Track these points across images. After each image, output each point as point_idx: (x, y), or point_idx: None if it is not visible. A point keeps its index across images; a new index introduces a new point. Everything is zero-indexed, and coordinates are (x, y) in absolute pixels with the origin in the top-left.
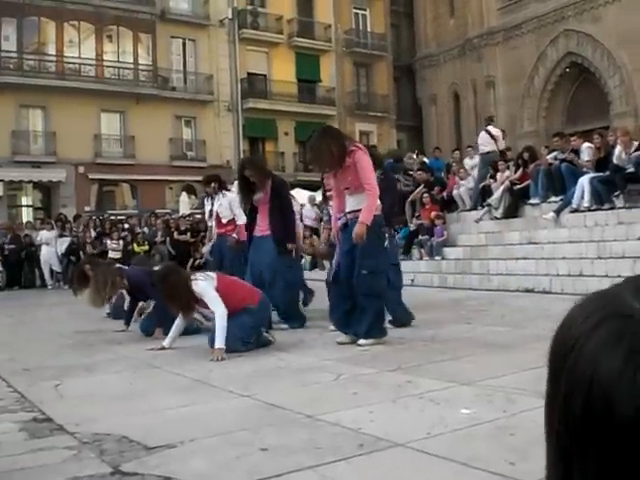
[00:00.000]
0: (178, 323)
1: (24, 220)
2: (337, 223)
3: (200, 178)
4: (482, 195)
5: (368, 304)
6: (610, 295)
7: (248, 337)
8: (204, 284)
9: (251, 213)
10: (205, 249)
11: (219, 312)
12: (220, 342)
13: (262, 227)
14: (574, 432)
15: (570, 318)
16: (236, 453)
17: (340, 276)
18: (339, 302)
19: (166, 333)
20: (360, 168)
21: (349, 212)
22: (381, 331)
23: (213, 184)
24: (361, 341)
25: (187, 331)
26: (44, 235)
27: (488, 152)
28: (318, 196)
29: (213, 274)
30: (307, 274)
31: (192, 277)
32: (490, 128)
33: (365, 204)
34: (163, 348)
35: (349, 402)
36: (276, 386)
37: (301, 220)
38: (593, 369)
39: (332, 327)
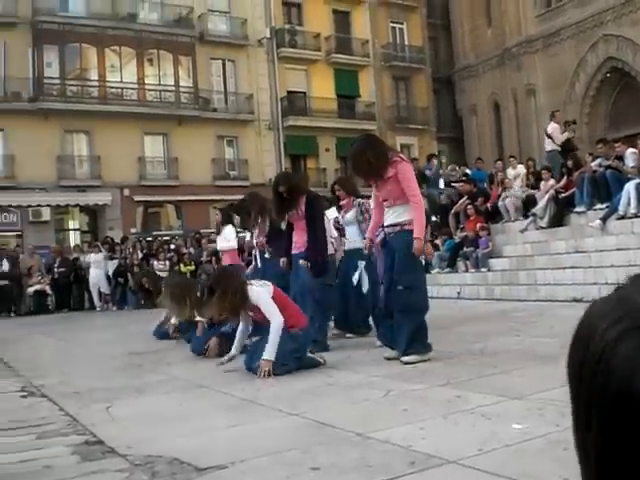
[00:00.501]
0: (242, 329)
1: (72, 244)
2: (375, 238)
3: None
4: (526, 205)
5: (405, 320)
6: (626, 300)
7: (286, 361)
8: (261, 290)
9: (288, 230)
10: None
11: (276, 321)
12: (270, 354)
13: (298, 244)
14: (616, 453)
15: (589, 325)
16: (287, 473)
17: (383, 292)
18: (384, 318)
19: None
20: (403, 179)
21: (387, 226)
22: (424, 347)
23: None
24: (404, 358)
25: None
26: (92, 258)
27: (549, 151)
28: None
29: (269, 283)
30: None
31: (248, 282)
32: (549, 126)
33: (415, 217)
34: (232, 358)
35: (399, 419)
36: (325, 404)
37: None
38: (627, 389)
39: (379, 343)
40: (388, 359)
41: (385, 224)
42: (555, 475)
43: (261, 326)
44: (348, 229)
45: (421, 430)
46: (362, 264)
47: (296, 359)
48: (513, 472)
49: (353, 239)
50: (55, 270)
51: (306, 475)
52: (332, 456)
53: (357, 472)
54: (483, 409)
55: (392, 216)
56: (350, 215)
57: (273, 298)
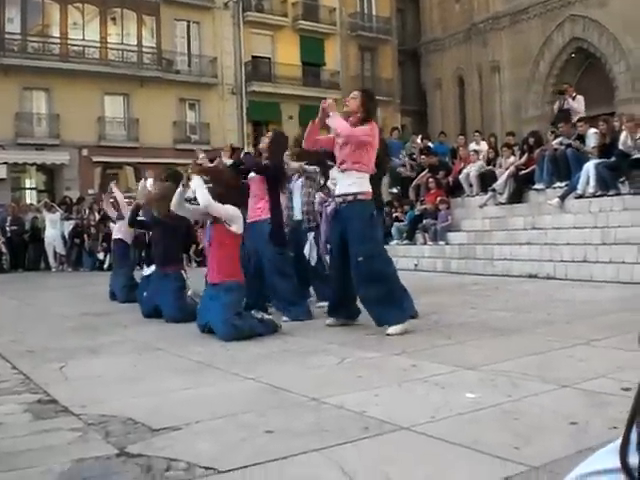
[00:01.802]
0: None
1: (28, 202)
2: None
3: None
4: (484, 180)
5: (373, 290)
6: None
7: (231, 319)
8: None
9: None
10: None
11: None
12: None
13: (258, 211)
14: None
15: None
16: (242, 435)
17: (332, 263)
18: (335, 287)
19: None
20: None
21: (339, 195)
22: (402, 311)
23: None
24: (388, 330)
25: (190, 316)
26: (48, 217)
27: None
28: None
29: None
30: None
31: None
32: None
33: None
34: None
35: (354, 385)
36: (280, 369)
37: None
38: None
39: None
40: (330, 326)
41: (337, 193)
42: (506, 444)
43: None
44: (295, 198)
45: (375, 397)
46: (311, 235)
47: (238, 315)
48: (465, 439)
49: (299, 209)
50: (7, 229)
51: (261, 438)
52: (287, 420)
53: (311, 436)
54: (437, 378)
55: (345, 184)
56: (299, 183)
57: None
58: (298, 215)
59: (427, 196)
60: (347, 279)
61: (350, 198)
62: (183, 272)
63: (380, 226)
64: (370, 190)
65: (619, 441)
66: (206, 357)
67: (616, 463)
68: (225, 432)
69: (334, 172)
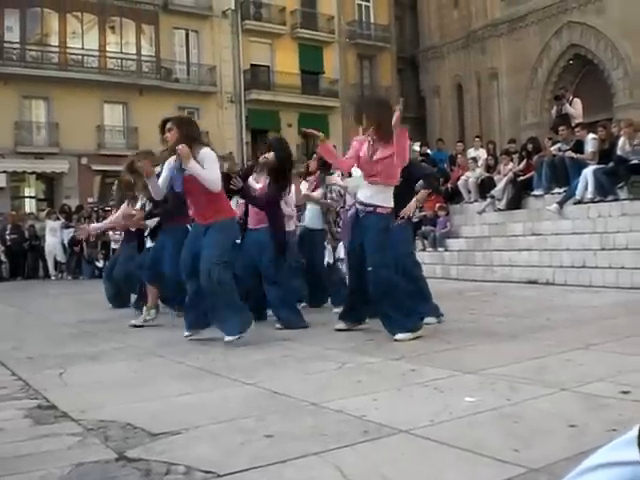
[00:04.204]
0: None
1: (27, 211)
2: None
3: None
4: (483, 187)
5: (382, 300)
6: None
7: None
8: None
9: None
10: None
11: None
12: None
13: (256, 219)
14: None
15: None
16: (241, 439)
17: (349, 267)
18: (349, 291)
19: None
20: (402, 148)
21: (360, 203)
22: (413, 322)
23: None
24: (396, 337)
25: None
26: (49, 225)
27: None
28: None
29: None
30: None
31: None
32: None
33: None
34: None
35: (353, 390)
36: (280, 374)
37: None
38: None
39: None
40: (339, 330)
41: (359, 200)
42: (505, 447)
43: None
44: (310, 207)
45: (375, 401)
46: (329, 246)
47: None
48: (464, 443)
49: (315, 219)
50: (7, 237)
51: (260, 442)
52: (286, 424)
53: (311, 440)
54: (436, 382)
55: (368, 193)
56: (318, 193)
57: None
58: (315, 224)
59: (426, 203)
60: (362, 283)
61: (370, 209)
62: None
63: (408, 237)
64: (390, 205)
65: (630, 435)
66: (206, 363)
67: (632, 456)
68: (224, 436)
69: (353, 177)
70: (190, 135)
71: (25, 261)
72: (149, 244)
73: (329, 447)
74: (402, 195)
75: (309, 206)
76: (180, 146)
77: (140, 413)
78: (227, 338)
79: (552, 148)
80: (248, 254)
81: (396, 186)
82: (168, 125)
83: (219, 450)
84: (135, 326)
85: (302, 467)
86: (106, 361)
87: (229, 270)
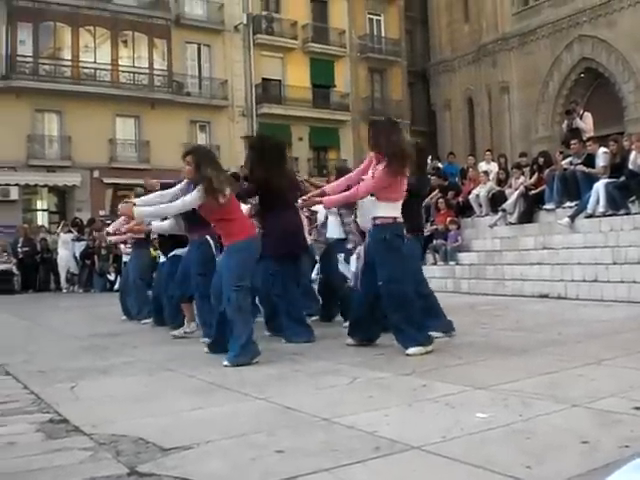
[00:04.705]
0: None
1: (39, 223)
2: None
3: None
4: (494, 201)
5: (392, 315)
6: None
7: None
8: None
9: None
10: None
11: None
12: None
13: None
14: None
15: None
16: (252, 455)
17: (360, 284)
18: (355, 307)
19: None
20: (372, 178)
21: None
22: (423, 337)
23: None
24: (408, 351)
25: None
26: (62, 237)
27: None
28: None
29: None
30: None
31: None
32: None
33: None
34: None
35: (365, 405)
36: (291, 389)
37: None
38: None
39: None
40: (349, 345)
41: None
42: (517, 463)
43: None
44: (331, 217)
45: (386, 417)
46: (341, 256)
47: (240, 289)
48: (476, 459)
49: (335, 230)
50: (19, 250)
51: (271, 457)
52: (297, 439)
53: (322, 455)
54: (448, 398)
55: (372, 209)
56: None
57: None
58: (334, 234)
59: (437, 217)
60: (369, 300)
61: (373, 222)
62: None
63: (415, 253)
64: (390, 215)
65: None
66: (217, 378)
67: None
68: (236, 452)
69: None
70: (203, 175)
71: (37, 274)
72: (162, 259)
73: (341, 463)
74: (411, 210)
75: (331, 217)
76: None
77: (151, 428)
78: (225, 362)
79: (563, 162)
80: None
81: (405, 202)
82: (188, 158)
83: (230, 465)
84: (175, 337)
85: None
86: (117, 375)
87: (248, 296)
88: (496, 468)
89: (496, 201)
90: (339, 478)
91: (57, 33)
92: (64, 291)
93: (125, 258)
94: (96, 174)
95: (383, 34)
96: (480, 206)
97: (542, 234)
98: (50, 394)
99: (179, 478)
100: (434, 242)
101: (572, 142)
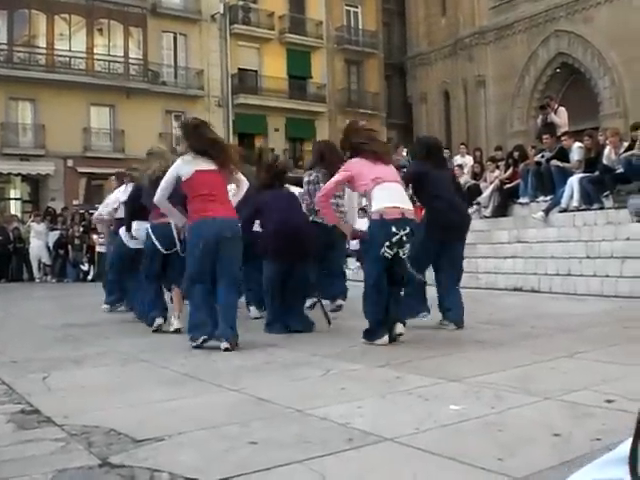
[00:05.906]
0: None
1: (12, 213)
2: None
3: None
4: (469, 194)
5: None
6: None
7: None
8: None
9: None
10: None
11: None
12: None
13: None
14: None
15: None
16: (225, 446)
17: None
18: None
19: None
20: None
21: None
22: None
23: None
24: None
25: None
26: (35, 228)
27: None
28: None
29: None
30: None
31: None
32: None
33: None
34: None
35: (338, 397)
36: (265, 381)
37: None
38: None
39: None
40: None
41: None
42: (489, 455)
43: None
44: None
45: (359, 408)
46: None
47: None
48: (449, 451)
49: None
50: None
51: (244, 449)
52: (271, 431)
53: (295, 447)
54: (421, 390)
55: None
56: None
57: None
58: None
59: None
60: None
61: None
62: None
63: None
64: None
65: (621, 452)
66: (190, 369)
67: (622, 475)
68: (208, 443)
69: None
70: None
71: (9, 264)
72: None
73: (313, 455)
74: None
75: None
76: None
77: (124, 419)
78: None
79: (536, 157)
80: None
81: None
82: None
83: (203, 457)
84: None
85: (286, 475)
86: (90, 366)
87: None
88: (468, 460)
89: (471, 194)
90: (312, 469)
91: (32, 20)
92: (37, 281)
93: (99, 248)
94: (70, 163)
95: (360, 26)
96: None
97: (516, 228)
98: (22, 385)
99: (151, 469)
100: None
101: (544, 137)
